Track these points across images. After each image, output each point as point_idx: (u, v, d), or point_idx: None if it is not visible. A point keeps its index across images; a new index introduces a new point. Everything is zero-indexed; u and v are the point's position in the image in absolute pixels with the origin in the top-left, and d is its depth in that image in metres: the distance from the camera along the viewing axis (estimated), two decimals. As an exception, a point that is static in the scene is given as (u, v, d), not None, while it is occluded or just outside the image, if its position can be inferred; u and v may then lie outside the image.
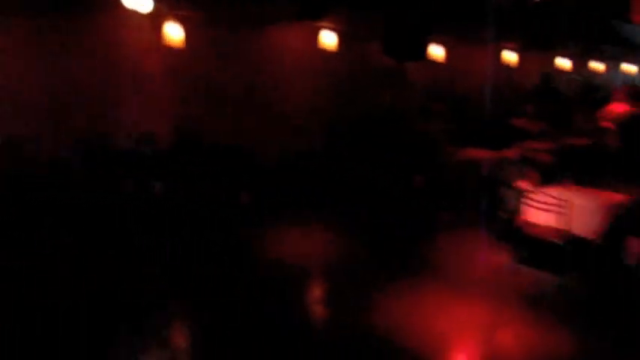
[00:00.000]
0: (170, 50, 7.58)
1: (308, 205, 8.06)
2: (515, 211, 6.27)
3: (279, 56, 8.72)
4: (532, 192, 6.10)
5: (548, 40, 13.48)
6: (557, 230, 5.78)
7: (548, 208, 5.82)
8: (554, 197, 5.76)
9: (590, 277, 5.84)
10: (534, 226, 6.04)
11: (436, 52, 10.91)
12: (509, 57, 12.96)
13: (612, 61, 16.88)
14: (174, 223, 6.73)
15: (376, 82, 8.92)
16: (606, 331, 5.04)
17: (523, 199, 6.17)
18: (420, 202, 8.05)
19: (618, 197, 5.89)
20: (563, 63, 14.76)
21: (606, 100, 8.93)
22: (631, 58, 17.35)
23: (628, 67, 17.41)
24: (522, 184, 6.36)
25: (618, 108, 8.27)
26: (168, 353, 4.57)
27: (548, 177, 6.65)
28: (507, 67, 12.94)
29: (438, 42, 10.79)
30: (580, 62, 15.64)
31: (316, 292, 5.95)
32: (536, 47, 13.56)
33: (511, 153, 6.53)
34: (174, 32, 7.60)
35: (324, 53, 8.97)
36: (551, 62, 14.96)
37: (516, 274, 6.07)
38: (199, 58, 7.82)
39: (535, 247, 6.13)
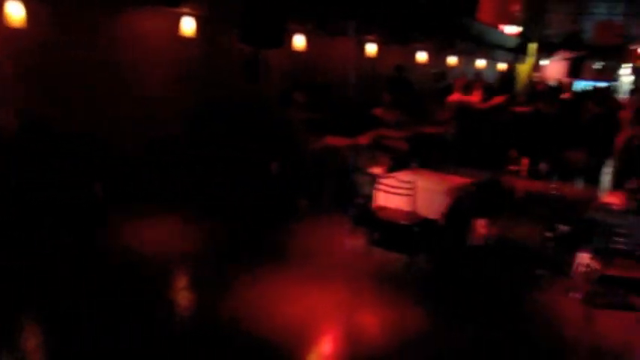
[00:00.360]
0: (13, 31, 7.01)
1: (164, 194, 7.85)
2: (369, 196, 6.52)
3: (137, 41, 8.37)
4: (383, 177, 6.38)
5: (407, 34, 14.17)
6: (405, 213, 6.11)
7: (397, 192, 6.13)
8: (402, 181, 6.07)
9: (436, 256, 6.25)
10: (386, 209, 6.33)
11: (298, 41, 11.05)
12: (371, 49, 13.42)
13: (465, 56, 18.07)
14: (17, 216, 6.26)
15: (237, 69, 8.85)
16: (449, 306, 5.43)
17: (376, 185, 6.44)
18: (278, 190, 8.14)
19: (460, 181, 6.33)
20: (422, 57, 15.56)
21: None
22: (482, 53, 18.69)
23: (480, 62, 18.75)
24: (375, 170, 6.64)
25: (454, 98, 8.92)
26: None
27: (399, 163, 7.02)
28: (369, 59, 13.39)
29: (300, 31, 10.93)
30: (437, 56, 16.56)
31: (172, 284, 5.82)
32: (396, 41, 14.20)
33: (364, 140, 6.78)
34: (15, 11, 7.03)
35: (184, 39, 8.76)
36: (412, 55, 15.70)
37: (370, 257, 6.33)
38: (48, 40, 7.31)
39: (387, 230, 6.44)
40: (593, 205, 6.01)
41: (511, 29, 16.20)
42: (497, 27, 14.47)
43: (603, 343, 4.93)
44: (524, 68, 21.09)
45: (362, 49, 13.50)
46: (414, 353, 4.56)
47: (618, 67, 22.22)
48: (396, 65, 11.60)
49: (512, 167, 10.20)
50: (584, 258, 5.49)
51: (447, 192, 6.14)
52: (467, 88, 9.16)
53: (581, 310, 5.41)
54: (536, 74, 21.23)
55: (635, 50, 18.04)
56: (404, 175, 6.30)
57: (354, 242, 6.62)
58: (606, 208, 5.94)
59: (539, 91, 14.90)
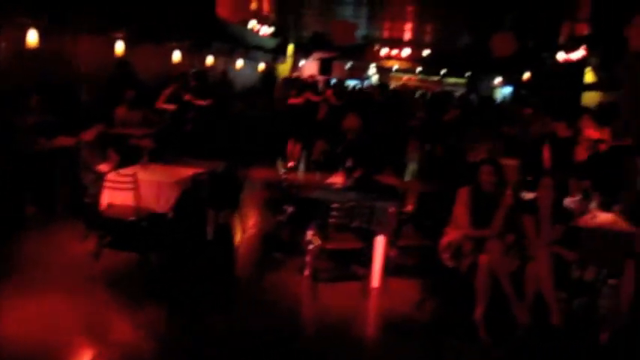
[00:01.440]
0: None
1: None
2: (98, 195, 6.10)
3: None
4: (110, 174, 6.02)
5: (160, 32, 13.76)
6: (132, 208, 5.82)
7: (122, 188, 5.81)
8: (125, 176, 5.78)
9: (169, 250, 6.08)
10: (113, 207, 5.97)
11: (31, 38, 10.03)
12: (119, 48, 12.76)
13: (225, 56, 18.22)
14: None
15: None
16: (183, 299, 5.29)
17: (103, 182, 6.04)
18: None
19: (190, 172, 6.22)
20: (178, 56, 15.26)
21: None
22: (242, 53, 19.00)
23: (239, 63, 19.06)
24: (102, 167, 6.24)
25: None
26: None
27: (131, 157, 6.69)
28: (119, 58, 12.71)
29: (33, 26, 9.94)
30: (194, 56, 16.39)
31: None
32: (149, 39, 13.71)
33: (88, 136, 6.34)
34: None
35: None
36: (168, 55, 15.30)
37: (102, 260, 5.91)
38: None
39: (116, 229, 6.09)
40: (319, 186, 6.33)
41: (265, 30, 16.71)
42: (239, 23, 14.77)
43: (325, 316, 5.19)
44: (284, 68, 22.01)
45: (111, 48, 12.78)
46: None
47: (367, 66, 24.43)
48: (119, 61, 11.15)
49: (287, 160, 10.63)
50: (309, 235, 5.74)
51: (175, 184, 5.99)
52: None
53: (310, 286, 5.65)
54: (296, 73, 22.31)
55: (378, 51, 19.97)
56: (128, 170, 6.00)
57: (84, 247, 6.14)
58: (327, 187, 6.31)
59: (307, 83, 15.66)
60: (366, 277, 5.73)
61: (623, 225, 5.67)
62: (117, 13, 11.63)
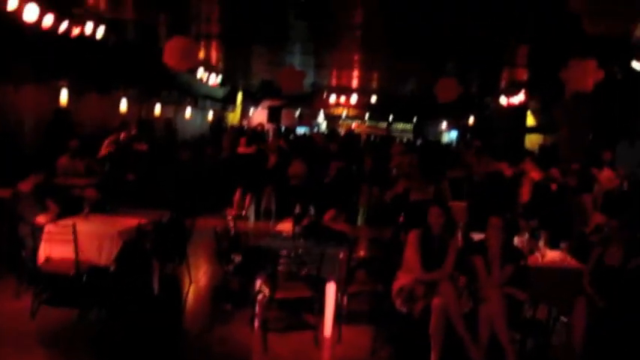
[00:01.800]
0: None
1: None
2: (35, 249, 5.79)
3: None
4: (48, 225, 5.73)
5: (106, 81, 13.56)
6: (73, 262, 5.53)
7: (63, 240, 5.54)
8: (64, 228, 5.52)
9: (112, 307, 5.78)
10: (52, 261, 5.67)
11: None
12: (64, 97, 12.47)
13: (174, 105, 18.10)
14: None
15: None
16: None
17: (42, 235, 5.75)
18: None
19: (134, 222, 5.99)
20: (125, 105, 15.04)
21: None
22: (191, 102, 18.93)
23: (188, 112, 18.96)
24: (40, 219, 5.94)
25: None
26: None
27: (73, 208, 6.42)
28: (63, 107, 12.40)
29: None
30: (143, 105, 16.22)
31: None
32: (95, 88, 13.49)
33: (25, 186, 6.06)
34: None
35: None
36: (116, 105, 15.05)
37: (40, 317, 5.56)
38: None
39: (56, 284, 5.77)
40: (267, 234, 6.21)
41: (213, 79, 16.69)
42: (187, 72, 14.74)
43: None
44: (233, 116, 22.00)
45: (55, 97, 12.46)
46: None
47: (316, 113, 24.67)
48: (57, 109, 10.93)
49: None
50: (257, 285, 5.57)
51: (118, 235, 5.75)
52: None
53: (260, 337, 5.44)
54: (245, 122, 22.31)
55: (327, 98, 20.16)
56: (67, 221, 5.74)
57: (20, 304, 5.78)
58: (275, 234, 6.18)
59: (256, 132, 15.62)
60: (317, 325, 5.55)
61: (571, 262, 5.74)
62: (60, 62, 11.41)
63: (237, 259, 5.81)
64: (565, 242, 5.92)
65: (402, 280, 5.19)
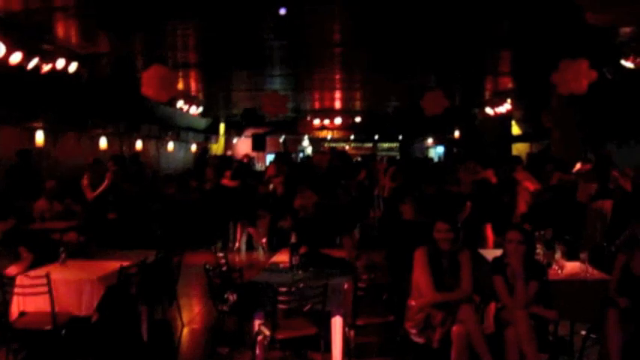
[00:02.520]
0: None
1: None
2: (7, 304, 5.23)
3: None
4: (19, 277, 5.19)
5: (83, 119, 13.12)
6: (49, 315, 4.99)
7: (36, 292, 5.00)
8: (39, 278, 4.98)
9: (97, 358, 5.24)
10: (27, 315, 5.13)
11: None
12: (40, 137, 11.98)
13: (155, 139, 17.65)
14: None
15: None
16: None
17: (13, 288, 5.20)
18: None
19: (115, 265, 5.47)
20: (104, 143, 14.57)
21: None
22: (173, 136, 18.48)
23: (170, 145, 18.50)
24: (10, 270, 5.40)
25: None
26: None
27: (51, 255, 5.89)
28: (39, 148, 11.91)
29: None
30: (123, 141, 15.75)
31: None
32: (72, 127, 13.04)
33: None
34: None
35: None
36: (95, 142, 14.56)
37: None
38: None
39: (33, 341, 5.23)
40: (263, 267, 5.71)
41: (194, 109, 16.29)
42: (167, 105, 14.38)
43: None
44: (217, 147, 21.55)
45: (31, 139, 11.96)
46: None
47: (301, 138, 24.27)
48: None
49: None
50: (256, 325, 5.06)
51: (98, 281, 5.21)
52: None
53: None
54: (229, 152, 21.86)
55: (310, 122, 19.82)
56: (39, 271, 5.21)
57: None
58: (272, 267, 5.69)
59: (242, 163, 15.12)
60: (326, 364, 5.04)
61: (593, 273, 5.31)
62: (35, 102, 10.97)
63: (232, 297, 5.29)
64: (584, 252, 5.47)
65: (415, 306, 4.70)
